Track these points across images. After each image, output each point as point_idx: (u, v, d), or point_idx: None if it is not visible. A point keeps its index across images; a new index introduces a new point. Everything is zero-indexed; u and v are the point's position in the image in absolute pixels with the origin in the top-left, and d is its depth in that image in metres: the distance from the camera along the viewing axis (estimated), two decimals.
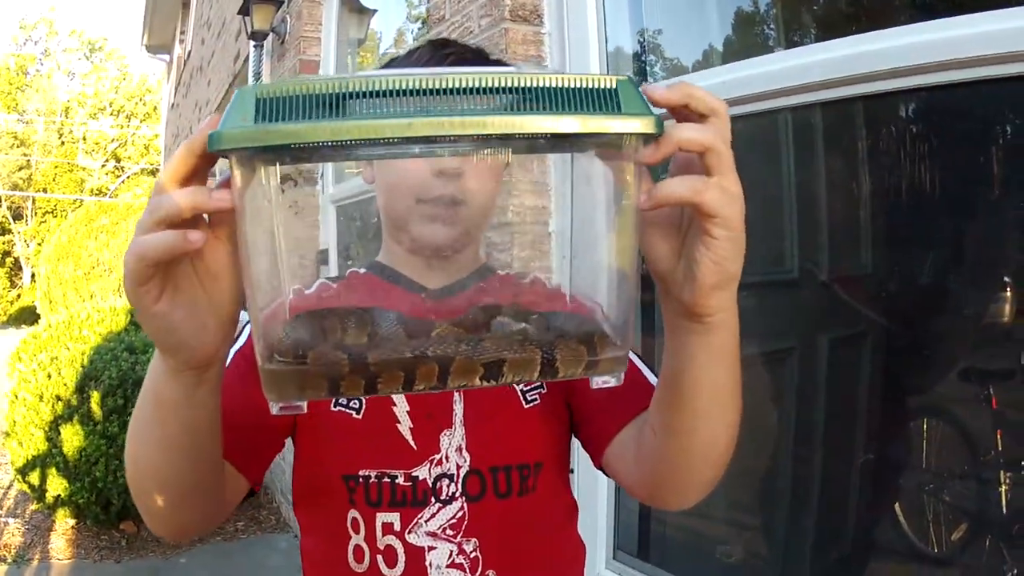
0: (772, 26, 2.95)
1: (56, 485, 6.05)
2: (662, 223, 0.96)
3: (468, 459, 1.38)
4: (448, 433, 1.38)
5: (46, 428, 6.04)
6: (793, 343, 2.82)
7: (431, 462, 1.37)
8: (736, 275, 0.94)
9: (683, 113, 0.90)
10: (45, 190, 40.64)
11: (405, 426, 1.38)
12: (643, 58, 3.21)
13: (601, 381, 0.94)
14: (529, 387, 1.42)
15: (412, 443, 1.38)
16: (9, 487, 7.76)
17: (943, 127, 2.28)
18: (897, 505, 2.54)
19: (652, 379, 1.38)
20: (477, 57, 1.50)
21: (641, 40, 3.18)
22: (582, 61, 2.97)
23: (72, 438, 5.94)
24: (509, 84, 0.77)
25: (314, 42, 5.79)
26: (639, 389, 1.33)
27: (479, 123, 0.74)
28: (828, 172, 2.68)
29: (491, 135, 0.76)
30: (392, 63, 1.53)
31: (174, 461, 1.10)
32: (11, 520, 6.96)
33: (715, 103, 0.90)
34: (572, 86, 0.78)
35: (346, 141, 0.75)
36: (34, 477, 6.15)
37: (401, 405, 1.39)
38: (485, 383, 0.89)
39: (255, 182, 0.84)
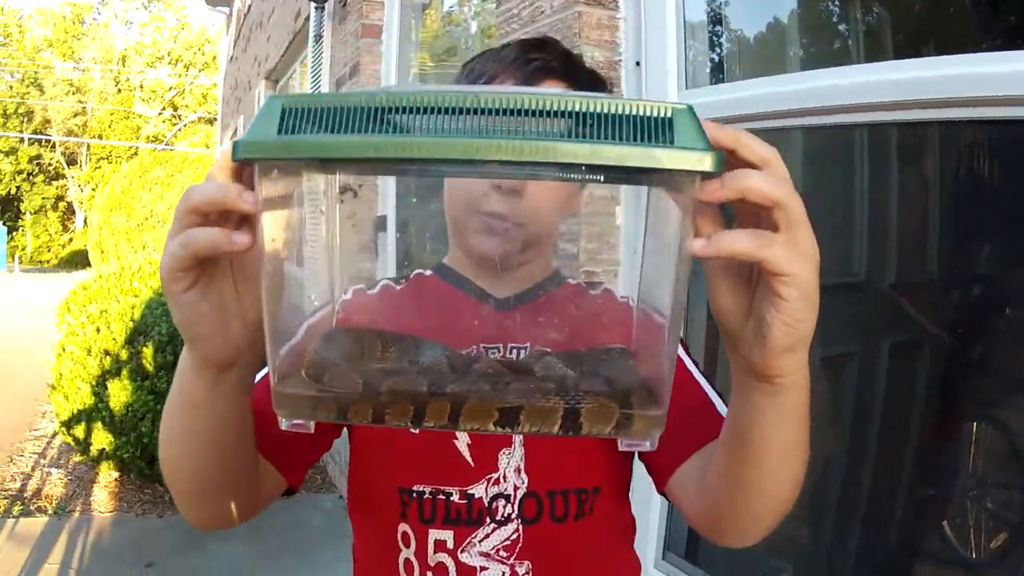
0: (850, 33, 2.86)
1: (101, 439, 6.05)
2: (730, 275, 0.88)
3: (526, 481, 1.33)
4: (507, 452, 1.33)
5: (93, 382, 6.03)
6: (855, 347, 2.76)
7: (488, 480, 1.33)
8: (809, 336, 0.86)
9: (730, 160, 0.81)
10: (100, 136, 40.95)
11: (463, 441, 1.33)
12: (721, 50, 3.10)
13: (627, 444, 0.88)
14: None
15: (469, 459, 1.33)
16: (53, 437, 7.80)
17: (1013, 157, 2.19)
18: (941, 510, 2.51)
19: (722, 409, 1.32)
20: (567, 66, 1.41)
21: (720, 31, 3.07)
22: (659, 50, 2.86)
23: (119, 393, 5.92)
24: (547, 107, 0.72)
25: (377, 6, 5.65)
26: (707, 419, 1.27)
27: (501, 148, 0.68)
28: (901, 186, 2.60)
29: (524, 162, 0.70)
30: (479, 59, 1.45)
31: (199, 453, 1.09)
32: (54, 470, 6.98)
33: (767, 153, 0.82)
34: (616, 112, 0.72)
35: (368, 157, 0.72)
36: (79, 430, 6.14)
37: None
38: (499, 429, 0.84)
39: (286, 189, 0.83)
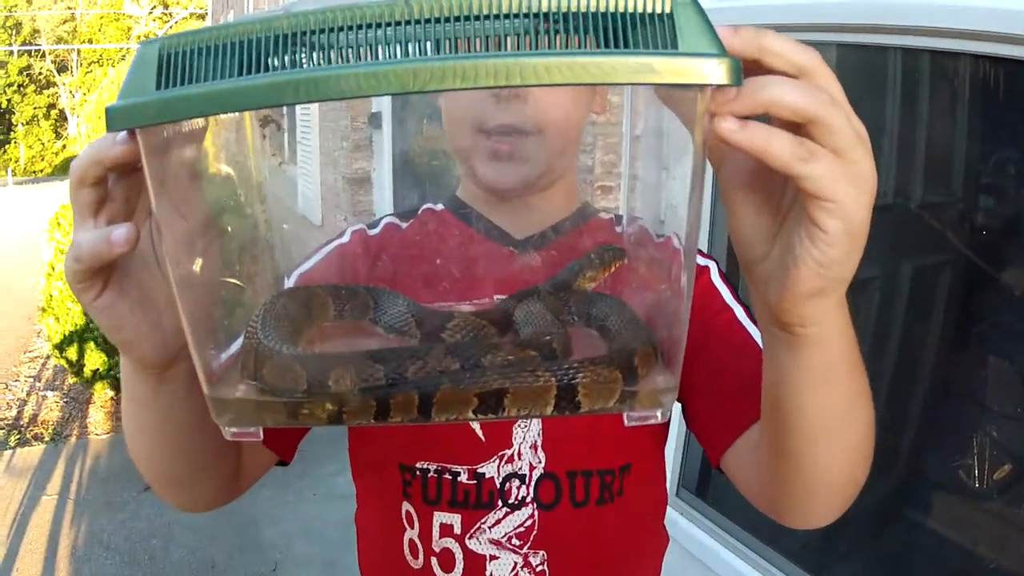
0: None
1: (94, 359, 5.99)
2: (756, 190, 0.70)
3: (543, 460, 1.18)
4: (523, 426, 1.18)
5: None
6: (876, 271, 2.70)
7: (500, 458, 1.18)
8: (845, 281, 0.69)
9: (756, 72, 0.62)
10: (91, 40, 40.81)
11: None
12: None
13: (637, 418, 0.74)
14: None
15: (480, 434, 1.18)
16: (47, 358, 7.76)
17: None
18: (949, 439, 2.53)
19: None
20: None
21: None
22: None
23: None
24: (503, 10, 0.56)
25: None
26: None
27: (445, 73, 0.54)
28: (931, 111, 2.52)
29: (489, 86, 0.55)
30: None
31: (159, 450, 1.02)
32: (49, 393, 6.98)
33: (802, 58, 0.62)
34: (597, 9, 0.56)
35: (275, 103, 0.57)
36: (72, 352, 6.07)
37: None
38: (481, 417, 0.72)
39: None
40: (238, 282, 0.91)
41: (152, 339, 0.81)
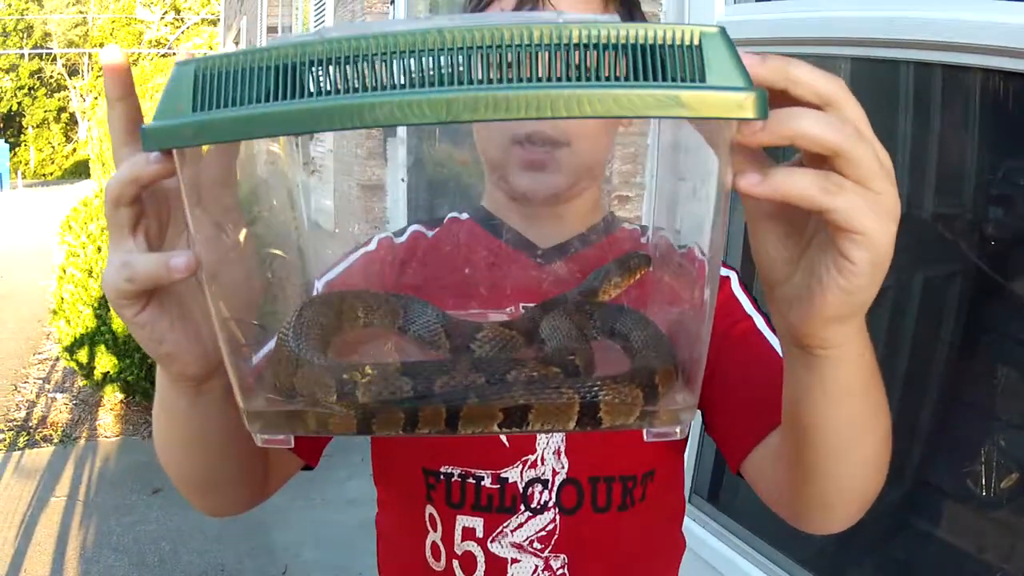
0: None
1: (105, 362, 5.95)
2: (781, 221, 0.72)
3: (566, 465, 1.20)
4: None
5: (95, 305, 5.92)
6: (889, 281, 2.63)
7: (524, 463, 1.20)
8: (865, 306, 0.71)
9: (781, 102, 0.62)
10: (102, 45, 40.87)
11: None
12: None
13: (656, 434, 0.76)
14: None
15: (504, 439, 1.20)
16: (57, 360, 7.75)
17: None
18: (957, 446, 2.54)
19: None
20: None
21: None
22: None
23: None
24: (534, 40, 0.57)
25: None
26: None
27: (478, 103, 0.55)
28: (943, 125, 2.53)
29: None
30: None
31: (186, 459, 1.04)
32: (59, 395, 6.96)
33: (828, 89, 0.63)
34: (628, 41, 0.57)
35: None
36: (82, 355, 6.05)
37: None
38: (506, 430, 0.74)
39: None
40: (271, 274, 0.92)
41: (193, 352, 0.82)
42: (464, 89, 0.55)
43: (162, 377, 0.91)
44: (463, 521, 1.21)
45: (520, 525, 1.21)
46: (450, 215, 1.32)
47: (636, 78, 0.56)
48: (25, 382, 7.33)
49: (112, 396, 6.60)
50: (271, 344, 0.83)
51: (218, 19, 30.38)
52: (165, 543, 4.57)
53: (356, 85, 0.57)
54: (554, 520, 1.21)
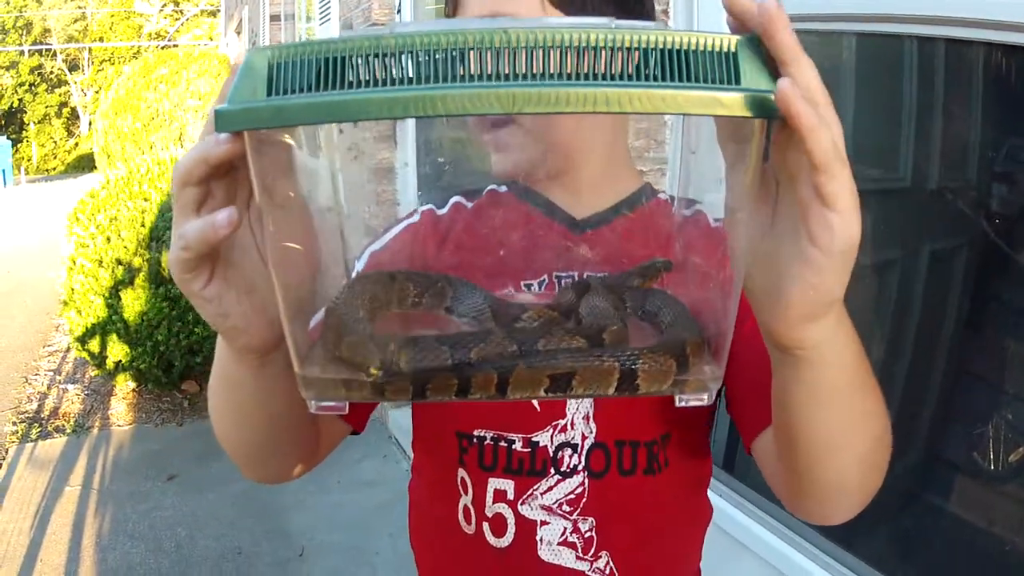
0: None
1: (117, 351, 5.98)
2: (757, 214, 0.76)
3: (595, 430, 1.22)
4: None
5: (106, 294, 5.94)
6: (896, 254, 2.76)
7: (554, 427, 1.23)
8: (835, 302, 0.74)
9: None
10: (102, 39, 40.90)
11: None
12: None
13: (686, 400, 0.80)
14: None
15: (536, 403, 1.22)
16: (67, 351, 7.79)
17: None
18: (965, 420, 2.57)
19: None
20: None
21: None
22: None
23: (133, 303, 5.84)
24: (590, 43, 0.62)
25: None
26: None
27: (542, 97, 0.60)
28: (947, 97, 2.55)
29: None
30: None
31: (246, 428, 1.07)
32: (70, 386, 6.99)
33: (824, 94, 0.66)
34: (682, 47, 0.62)
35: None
36: (94, 344, 6.07)
37: None
38: (550, 395, 0.78)
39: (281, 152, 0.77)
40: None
41: (258, 325, 0.85)
42: (528, 84, 0.60)
43: (224, 351, 0.94)
44: (494, 484, 1.23)
45: (550, 488, 1.23)
46: (489, 187, 1.34)
47: (678, 79, 0.61)
48: (36, 374, 7.35)
49: (124, 385, 6.63)
50: (321, 314, 0.86)
51: (217, 10, 30.36)
52: (181, 529, 4.60)
53: (427, 77, 0.61)
54: (583, 483, 1.23)
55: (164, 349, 5.92)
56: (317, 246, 0.90)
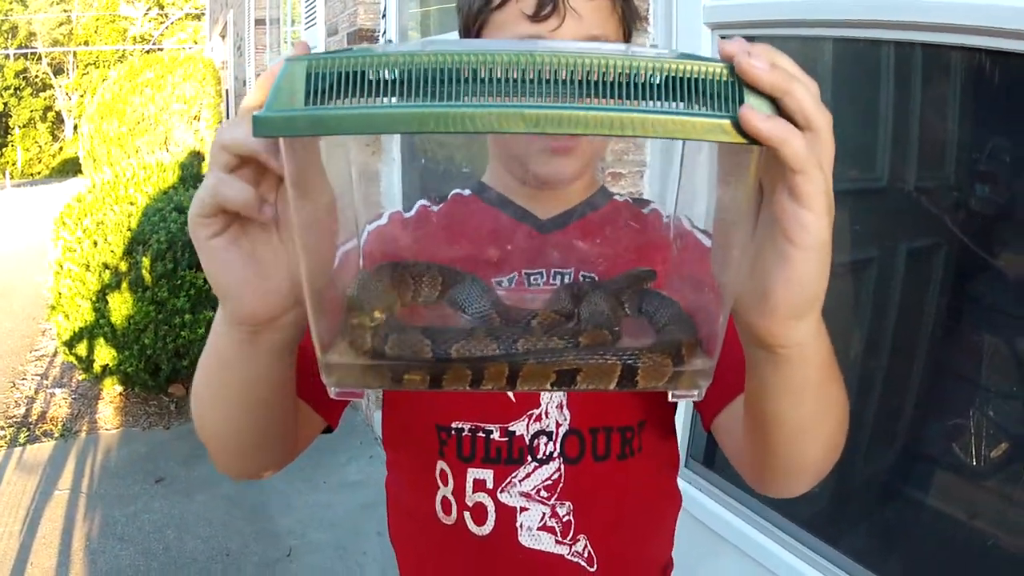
0: None
1: (104, 355, 5.99)
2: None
3: (568, 417, 1.28)
4: None
5: (93, 298, 5.94)
6: (873, 252, 2.78)
7: (529, 417, 1.27)
8: (817, 300, 0.78)
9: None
10: (87, 42, 40.76)
11: None
12: None
13: (678, 395, 0.85)
14: None
15: (511, 394, 1.27)
16: (54, 355, 7.79)
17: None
18: (947, 418, 2.59)
19: None
20: None
21: None
22: None
23: (120, 307, 5.85)
24: (615, 71, 0.65)
25: None
26: None
27: (572, 120, 0.63)
28: (923, 100, 2.58)
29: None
30: None
31: (231, 417, 1.05)
32: (57, 391, 6.97)
33: (818, 117, 0.69)
34: (691, 76, 0.66)
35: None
36: (81, 348, 6.08)
37: None
38: (555, 389, 0.83)
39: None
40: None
41: (253, 290, 0.85)
42: (551, 107, 0.62)
43: (218, 323, 0.94)
44: (474, 473, 1.27)
45: (528, 475, 1.27)
46: (454, 192, 1.38)
47: (688, 104, 0.65)
48: (23, 379, 7.33)
49: (111, 389, 6.63)
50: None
51: (202, 14, 30.29)
52: (170, 531, 4.61)
53: (458, 95, 0.63)
54: (559, 469, 1.27)
55: (151, 353, 5.92)
56: (337, 238, 0.92)
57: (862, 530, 2.84)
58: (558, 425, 1.27)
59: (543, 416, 1.27)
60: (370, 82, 0.64)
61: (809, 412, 0.93)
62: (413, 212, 1.36)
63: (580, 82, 0.64)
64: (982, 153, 2.41)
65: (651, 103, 0.64)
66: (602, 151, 1.30)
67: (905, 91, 2.52)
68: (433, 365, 0.81)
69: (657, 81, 0.64)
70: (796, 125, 0.68)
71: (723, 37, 0.68)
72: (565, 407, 1.27)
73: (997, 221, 2.42)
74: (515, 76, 0.64)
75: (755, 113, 0.64)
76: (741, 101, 0.66)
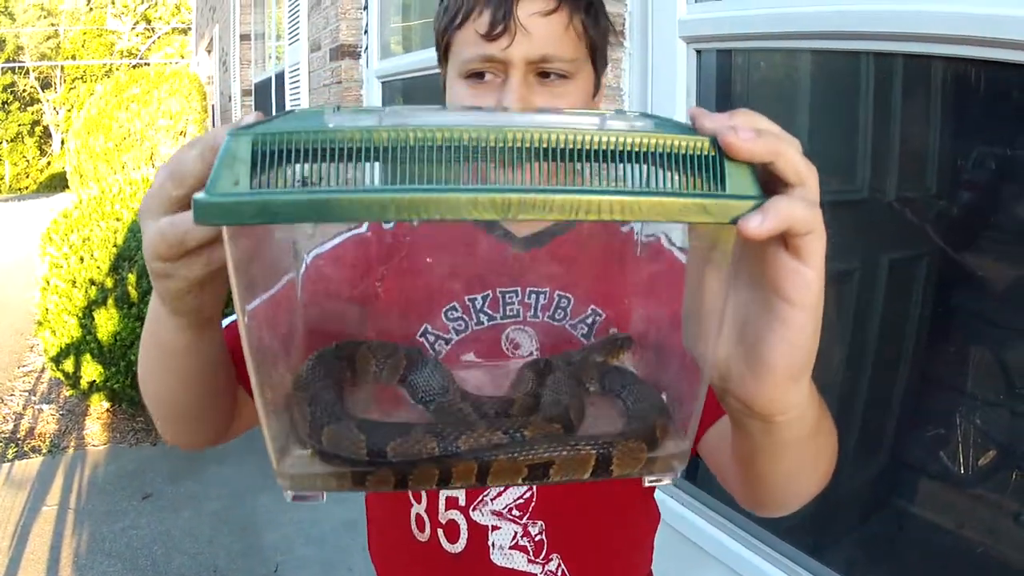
0: None
1: (91, 371, 5.97)
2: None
3: None
4: None
5: (79, 314, 5.93)
6: (856, 263, 2.77)
7: None
8: (812, 358, 0.74)
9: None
10: (74, 57, 40.67)
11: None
12: None
13: (653, 480, 0.84)
14: None
15: None
16: (42, 372, 7.76)
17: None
18: (933, 426, 2.58)
19: None
20: None
21: None
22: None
23: (107, 323, 5.82)
24: (584, 146, 0.61)
25: None
26: None
27: (541, 204, 0.59)
28: (904, 111, 2.56)
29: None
30: None
31: (174, 391, 1.05)
32: (45, 406, 6.95)
33: (808, 170, 0.68)
34: (673, 151, 0.62)
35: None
36: (68, 364, 6.05)
37: (469, 380, 1.21)
38: (528, 483, 0.80)
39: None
40: None
41: (214, 306, 0.86)
42: (523, 190, 0.59)
43: (160, 315, 0.90)
44: (446, 491, 1.27)
45: (500, 494, 1.28)
46: None
47: (665, 180, 0.61)
48: (11, 395, 7.30)
49: (98, 405, 6.61)
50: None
51: (189, 28, 30.25)
52: (157, 547, 4.61)
53: (420, 176, 0.59)
54: (531, 488, 1.27)
55: (137, 369, 5.83)
56: (296, 327, 0.91)
57: (846, 542, 2.83)
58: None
59: None
60: (323, 160, 0.59)
61: (804, 460, 0.93)
62: (391, 224, 1.34)
63: (554, 158, 0.60)
64: (965, 162, 2.42)
65: (629, 183, 0.61)
66: None
67: (884, 101, 2.52)
68: (399, 467, 0.76)
69: (635, 157, 0.61)
70: (788, 182, 0.67)
71: (693, 114, 0.65)
72: None
73: (979, 230, 2.43)
74: (483, 154, 0.59)
75: (751, 218, 0.63)
76: (721, 178, 0.63)
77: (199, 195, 0.59)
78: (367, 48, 5.30)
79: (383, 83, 5.20)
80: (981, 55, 1.97)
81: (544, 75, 1.25)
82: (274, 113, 0.75)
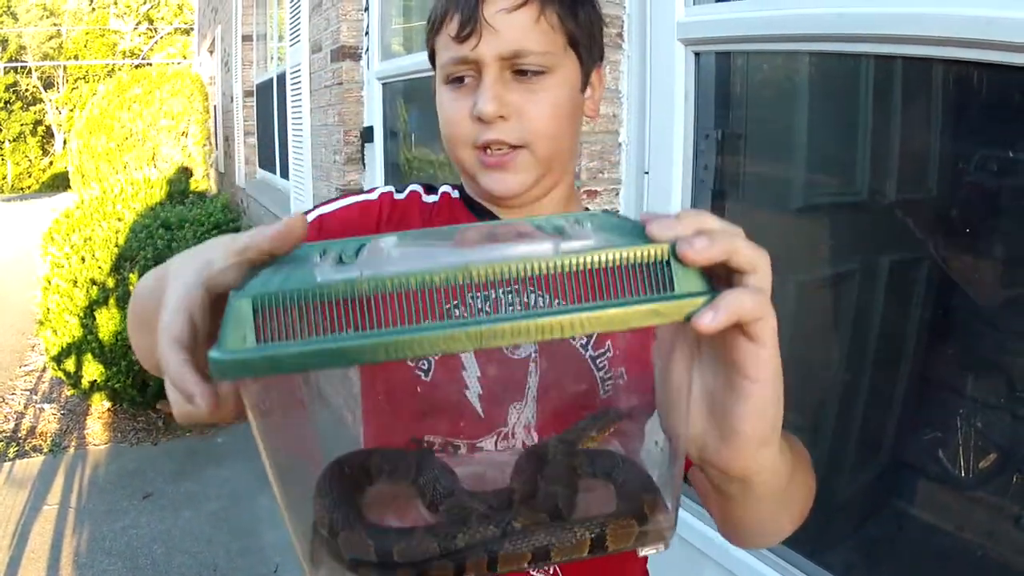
0: None
1: (92, 370, 6.01)
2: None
3: (535, 439, 1.26)
4: (517, 407, 1.26)
5: (81, 314, 5.96)
6: (855, 265, 2.75)
7: (498, 434, 1.27)
8: (780, 421, 0.80)
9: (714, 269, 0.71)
10: (76, 57, 40.70)
11: (474, 392, 1.26)
12: None
13: (647, 551, 0.88)
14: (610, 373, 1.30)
15: (480, 410, 1.26)
16: (43, 371, 7.80)
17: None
18: (933, 429, 2.56)
19: None
20: None
21: None
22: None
23: (108, 322, 5.86)
24: (546, 271, 0.66)
25: None
26: None
27: (512, 332, 0.64)
28: (904, 114, 2.54)
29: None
30: None
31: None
32: (46, 406, 6.97)
33: (759, 257, 0.72)
34: (622, 263, 0.67)
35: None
36: (69, 364, 6.09)
37: (471, 369, 1.26)
38: (533, 567, 0.85)
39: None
40: None
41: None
42: (493, 320, 0.64)
43: (182, 272, 0.77)
44: None
45: None
46: (443, 188, 1.41)
47: (623, 291, 0.66)
48: (12, 394, 7.34)
49: (99, 405, 6.65)
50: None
51: (191, 28, 30.25)
52: (157, 546, 4.63)
53: (401, 319, 0.64)
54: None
55: (139, 368, 5.91)
56: (319, 450, 0.92)
57: (845, 545, 2.83)
58: (524, 446, 1.27)
59: (510, 436, 1.27)
60: (316, 313, 0.64)
61: (779, 507, 0.97)
62: (405, 195, 1.37)
63: (520, 286, 0.66)
64: (965, 165, 2.40)
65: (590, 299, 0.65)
66: (556, 163, 1.29)
67: (883, 104, 2.49)
68: (414, 566, 0.82)
69: (591, 275, 0.66)
70: (742, 272, 0.71)
71: (645, 219, 0.68)
72: (533, 430, 1.27)
73: (979, 233, 2.43)
74: (454, 294, 0.65)
75: (703, 315, 0.66)
76: (670, 281, 0.67)
77: (214, 353, 0.63)
78: (368, 50, 5.30)
79: (383, 84, 5.20)
80: (981, 58, 1.97)
81: (522, 72, 1.26)
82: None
